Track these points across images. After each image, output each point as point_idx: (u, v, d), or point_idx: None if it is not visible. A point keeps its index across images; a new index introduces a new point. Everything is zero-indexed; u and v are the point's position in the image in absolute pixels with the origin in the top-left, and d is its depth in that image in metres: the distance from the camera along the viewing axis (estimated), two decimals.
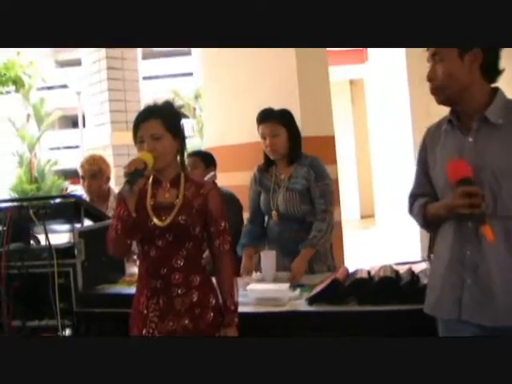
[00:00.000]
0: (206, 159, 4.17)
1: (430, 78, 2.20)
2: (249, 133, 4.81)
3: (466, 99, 2.17)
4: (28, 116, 27.71)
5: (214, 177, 3.83)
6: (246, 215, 4.48)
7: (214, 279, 2.62)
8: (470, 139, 2.15)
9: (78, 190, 4.44)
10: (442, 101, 2.21)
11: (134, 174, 2.36)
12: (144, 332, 2.50)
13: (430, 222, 2.32)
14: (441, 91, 2.18)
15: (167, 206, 2.51)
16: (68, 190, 21.62)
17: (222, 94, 5.15)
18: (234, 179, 4.28)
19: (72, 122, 31.02)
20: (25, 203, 3.37)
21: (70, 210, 3.38)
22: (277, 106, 4.62)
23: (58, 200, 3.44)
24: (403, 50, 7.62)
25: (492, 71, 2.18)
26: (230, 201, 4.20)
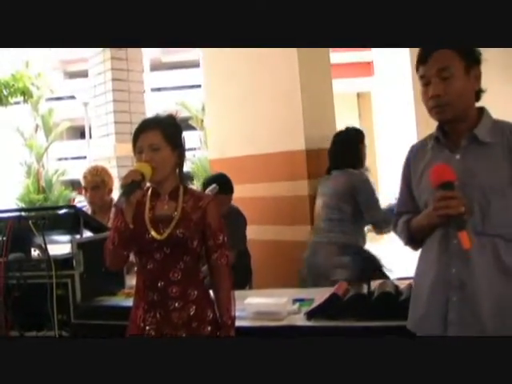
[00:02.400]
0: (224, 188, 4.11)
1: (438, 95, 2.08)
2: (248, 146, 4.83)
3: (466, 118, 2.14)
4: (36, 126, 27.81)
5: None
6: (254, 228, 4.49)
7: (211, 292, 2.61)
8: (458, 156, 2.13)
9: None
10: (448, 119, 2.13)
11: (130, 185, 2.35)
12: None
13: (413, 237, 2.28)
14: (450, 109, 2.09)
15: (165, 218, 2.50)
16: (76, 201, 21.63)
17: (224, 106, 5.14)
18: (237, 191, 4.26)
19: (80, 132, 31.10)
20: (25, 213, 3.37)
21: (69, 221, 3.37)
22: (279, 120, 4.63)
23: (57, 211, 3.44)
24: (408, 63, 7.62)
25: (480, 90, 2.17)
26: (236, 215, 4.18)
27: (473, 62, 2.12)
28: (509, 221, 2.06)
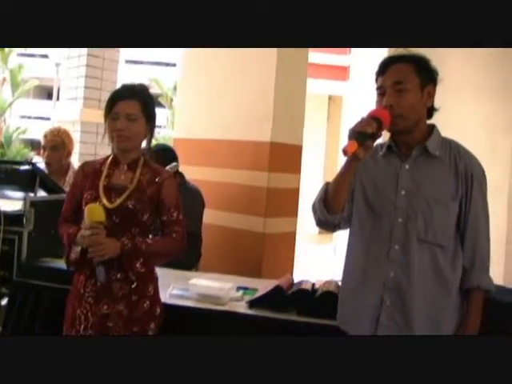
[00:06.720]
0: (166, 156, 4.07)
1: (390, 105, 2.17)
2: (215, 130, 4.82)
3: (415, 131, 2.24)
4: (3, 80, 27.28)
5: (176, 167, 3.80)
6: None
7: (156, 270, 2.61)
8: (407, 166, 2.24)
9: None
10: (399, 130, 2.22)
11: None
12: (78, 312, 2.48)
13: (328, 195, 2.26)
14: (401, 120, 2.18)
15: (119, 188, 2.49)
16: (32, 161, 21.28)
17: (198, 87, 5.11)
18: (197, 173, 4.25)
19: (48, 92, 30.61)
20: None
21: (26, 177, 3.33)
22: (250, 109, 4.63)
23: (14, 166, 3.39)
24: None
25: (433, 108, 2.29)
26: (194, 196, 4.16)
27: (428, 80, 2.23)
28: (449, 231, 2.19)
